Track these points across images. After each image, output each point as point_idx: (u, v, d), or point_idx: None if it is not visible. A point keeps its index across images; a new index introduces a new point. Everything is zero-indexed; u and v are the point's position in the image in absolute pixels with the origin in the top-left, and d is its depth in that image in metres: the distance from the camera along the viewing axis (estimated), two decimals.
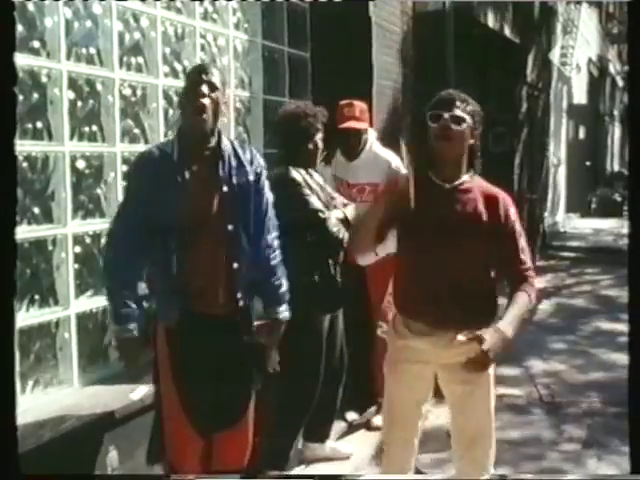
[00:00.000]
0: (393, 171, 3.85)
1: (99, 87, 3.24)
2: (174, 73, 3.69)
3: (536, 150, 10.66)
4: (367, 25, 4.89)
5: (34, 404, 2.85)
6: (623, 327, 6.72)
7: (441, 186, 2.57)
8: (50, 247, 3.02)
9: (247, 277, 2.71)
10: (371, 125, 4.27)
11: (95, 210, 3.24)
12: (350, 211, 3.44)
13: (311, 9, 4.74)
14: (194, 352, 2.63)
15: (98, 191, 3.26)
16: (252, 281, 2.75)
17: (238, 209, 2.66)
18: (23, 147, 2.82)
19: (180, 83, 3.69)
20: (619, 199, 16.36)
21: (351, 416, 4.14)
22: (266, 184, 2.78)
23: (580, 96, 15.46)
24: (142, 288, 2.77)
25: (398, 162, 3.98)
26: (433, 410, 3.60)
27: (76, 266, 3.12)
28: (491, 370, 2.62)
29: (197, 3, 3.80)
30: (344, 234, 3.33)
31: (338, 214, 3.37)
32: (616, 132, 23.11)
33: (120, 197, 3.31)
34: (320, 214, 3.28)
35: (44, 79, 2.97)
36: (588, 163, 16.73)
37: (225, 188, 2.65)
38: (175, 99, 3.69)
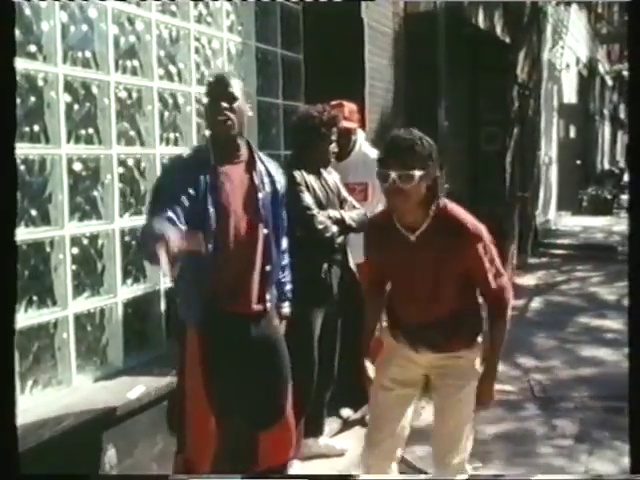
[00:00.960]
0: None
1: (95, 90, 3.27)
2: (169, 76, 3.73)
3: (527, 149, 10.71)
4: (359, 27, 4.93)
5: (33, 404, 2.88)
6: (611, 324, 6.81)
7: (406, 237, 2.56)
8: (48, 249, 3.05)
9: (275, 278, 2.88)
10: (363, 126, 4.31)
11: (92, 212, 3.27)
12: (350, 214, 3.47)
13: (304, 11, 4.79)
14: (228, 353, 2.72)
15: (95, 193, 3.29)
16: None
17: (269, 215, 2.82)
18: (20, 150, 2.83)
19: (175, 86, 3.74)
20: (609, 197, 16.46)
21: (346, 413, 4.18)
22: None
23: (570, 95, 15.53)
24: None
25: None
26: (427, 407, 3.65)
27: (74, 267, 3.15)
28: (473, 376, 2.70)
29: (191, 6, 3.83)
30: (333, 232, 3.37)
31: (334, 214, 3.41)
32: (606, 131, 23.22)
33: (117, 199, 3.35)
34: (308, 211, 3.32)
35: (41, 83, 3.00)
36: (579, 162, 16.81)
37: (260, 195, 2.79)
38: (170, 101, 3.73)
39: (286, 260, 3.02)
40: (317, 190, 3.42)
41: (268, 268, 2.80)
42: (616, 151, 26.56)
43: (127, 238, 3.45)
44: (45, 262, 3.04)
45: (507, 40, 9.05)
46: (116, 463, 2.97)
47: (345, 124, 3.88)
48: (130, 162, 3.48)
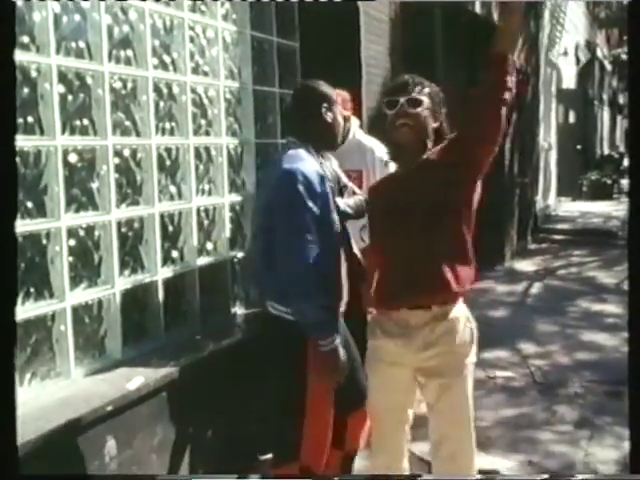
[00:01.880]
0: (376, 158, 3.91)
1: (89, 81, 3.25)
2: (164, 65, 3.71)
3: (526, 135, 10.69)
4: (355, 14, 4.91)
5: (31, 396, 2.88)
6: (611, 308, 6.81)
7: (396, 174, 2.57)
8: (44, 241, 3.04)
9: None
10: (359, 114, 4.29)
11: (88, 203, 3.26)
12: (346, 201, 3.46)
13: None
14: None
15: (91, 184, 3.28)
16: None
17: None
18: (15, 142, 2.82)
19: (170, 75, 3.73)
20: (609, 182, 16.44)
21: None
22: None
23: (569, 81, 15.49)
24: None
25: (381, 149, 4.02)
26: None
27: (70, 259, 3.14)
28: (469, 373, 2.56)
29: None
30: None
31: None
32: (605, 116, 23.16)
33: (113, 189, 3.34)
34: None
35: (34, 74, 2.98)
36: (579, 147, 16.78)
37: None
38: (165, 91, 3.71)
39: None
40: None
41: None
42: (616, 136, 26.50)
43: (124, 229, 3.44)
44: (41, 254, 3.03)
45: None
46: (116, 454, 2.97)
47: None
48: (126, 153, 3.46)
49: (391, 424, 2.65)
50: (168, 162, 3.73)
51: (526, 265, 9.16)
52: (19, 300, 2.89)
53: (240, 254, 4.25)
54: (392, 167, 3.89)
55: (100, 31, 3.26)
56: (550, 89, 13.34)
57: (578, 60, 15.86)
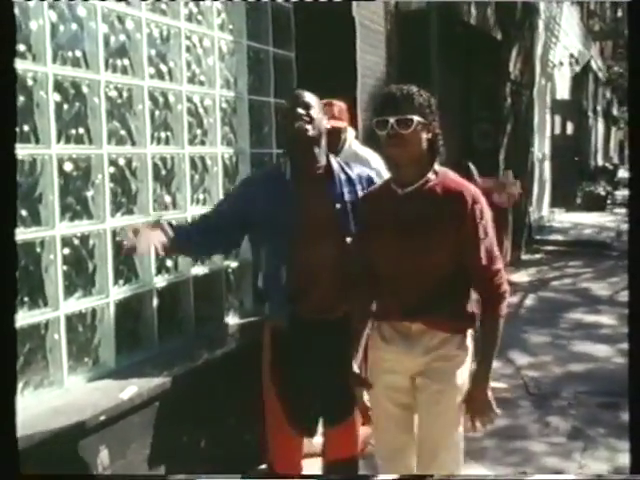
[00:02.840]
0: (372, 168, 3.92)
1: (85, 89, 3.25)
2: (160, 74, 3.71)
3: (521, 146, 10.74)
4: (351, 24, 4.93)
5: (24, 405, 2.86)
6: (605, 319, 6.83)
7: (395, 192, 2.49)
8: (38, 249, 3.03)
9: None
10: (354, 124, 4.30)
11: (83, 212, 3.26)
12: None
13: (295, 9, 4.77)
14: (296, 354, 2.89)
15: (86, 193, 3.28)
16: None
17: (350, 224, 2.86)
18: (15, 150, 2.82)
19: (166, 84, 3.73)
20: (603, 193, 16.50)
21: None
22: None
23: (563, 92, 15.57)
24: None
25: (377, 160, 4.03)
26: None
27: (65, 268, 3.13)
28: (459, 380, 2.55)
29: (182, 4, 3.82)
30: None
31: None
32: (599, 127, 23.28)
33: (108, 198, 3.34)
34: None
35: (30, 82, 2.98)
36: (576, 159, 16.83)
37: (338, 205, 2.88)
38: (161, 100, 3.72)
39: None
40: None
41: (345, 276, 2.78)
42: (610, 147, 26.63)
43: (118, 238, 3.44)
44: (36, 263, 3.03)
45: (499, 37, 9.07)
46: (109, 464, 2.96)
47: (334, 123, 3.87)
48: (121, 162, 3.46)
49: (395, 430, 2.64)
50: (163, 171, 3.73)
51: (520, 276, 9.18)
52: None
53: (234, 264, 4.25)
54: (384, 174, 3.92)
55: (96, 40, 3.27)
56: (544, 100, 13.40)
57: (573, 72, 15.95)
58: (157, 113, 3.69)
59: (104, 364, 3.32)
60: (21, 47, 2.92)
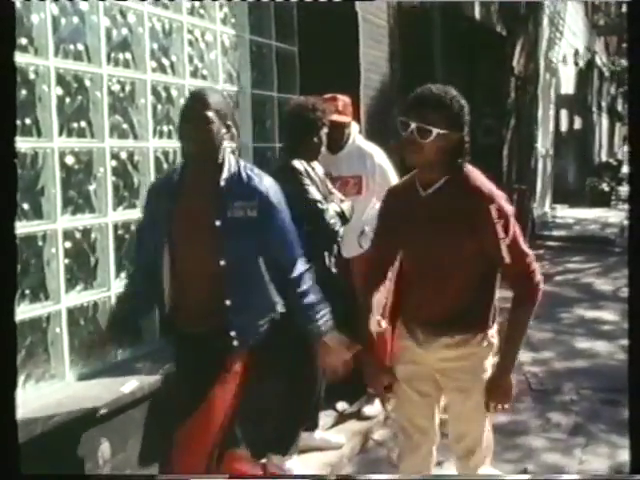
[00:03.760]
0: (376, 164, 3.93)
1: (87, 83, 3.25)
2: (162, 68, 3.71)
3: (524, 141, 10.71)
4: (354, 19, 4.92)
5: (26, 398, 2.87)
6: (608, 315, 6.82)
7: (418, 192, 2.46)
8: (40, 242, 3.04)
9: (247, 310, 2.62)
10: (357, 119, 4.30)
11: (85, 205, 3.26)
12: (346, 207, 3.48)
13: (298, 3, 4.76)
14: (182, 367, 2.81)
15: (88, 186, 3.28)
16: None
17: (233, 244, 2.54)
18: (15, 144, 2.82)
19: (168, 78, 3.73)
20: (607, 189, 16.45)
21: (342, 406, 4.19)
22: (277, 207, 2.65)
23: (567, 87, 15.52)
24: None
25: (381, 155, 4.03)
26: None
27: (66, 261, 3.14)
28: (484, 376, 2.54)
29: None
30: (339, 227, 3.38)
31: (335, 207, 3.41)
32: (604, 123, 23.20)
33: (110, 192, 3.34)
34: (319, 204, 3.32)
35: (32, 76, 2.98)
36: (584, 155, 16.76)
37: (218, 222, 2.53)
38: (164, 94, 3.72)
39: (300, 269, 2.71)
40: (319, 183, 3.43)
41: (228, 303, 2.56)
42: (614, 143, 26.55)
43: (120, 232, 3.44)
44: (38, 256, 3.03)
45: (504, 32, 9.04)
46: (109, 457, 2.97)
47: (338, 117, 3.87)
48: (123, 155, 3.47)
49: (414, 415, 2.64)
50: (165, 165, 3.73)
51: None
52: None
53: None
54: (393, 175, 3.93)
55: (99, 34, 3.27)
56: (548, 95, 13.36)
57: (577, 67, 15.90)
58: (159, 107, 3.69)
59: (105, 358, 3.32)
60: (23, 40, 2.93)
